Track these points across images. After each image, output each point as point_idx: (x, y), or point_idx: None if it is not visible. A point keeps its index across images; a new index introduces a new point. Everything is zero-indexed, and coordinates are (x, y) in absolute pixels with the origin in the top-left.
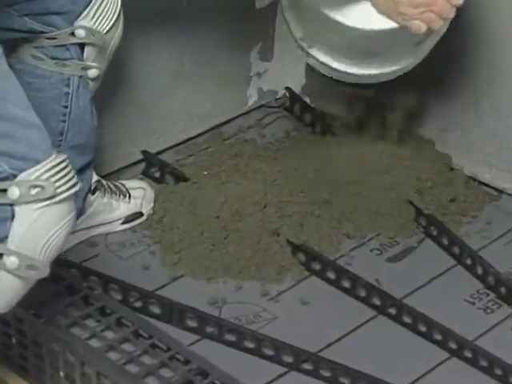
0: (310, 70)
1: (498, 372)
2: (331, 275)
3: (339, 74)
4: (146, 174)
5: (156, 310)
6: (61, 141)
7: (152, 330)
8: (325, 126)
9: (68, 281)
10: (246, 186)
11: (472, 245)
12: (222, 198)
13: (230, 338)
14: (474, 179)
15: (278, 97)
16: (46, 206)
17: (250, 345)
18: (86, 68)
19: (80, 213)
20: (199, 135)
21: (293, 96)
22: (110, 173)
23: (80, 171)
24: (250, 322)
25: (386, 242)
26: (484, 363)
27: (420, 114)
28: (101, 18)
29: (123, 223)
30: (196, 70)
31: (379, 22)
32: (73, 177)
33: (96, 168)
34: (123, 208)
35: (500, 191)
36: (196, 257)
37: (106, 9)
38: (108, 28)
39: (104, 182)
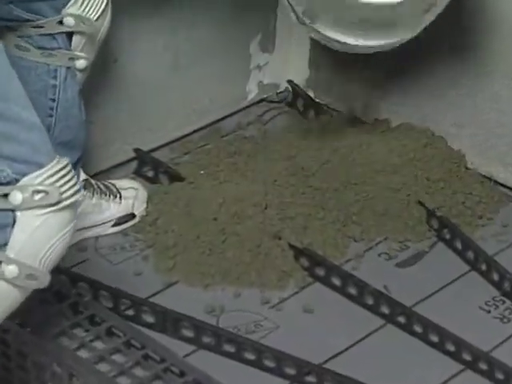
0: (313, 62)
1: None
2: (336, 281)
3: (345, 47)
4: (138, 173)
5: (149, 318)
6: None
7: (145, 340)
8: (330, 123)
9: (56, 287)
10: (245, 187)
11: (487, 249)
12: (219, 199)
13: (229, 348)
14: (490, 179)
15: (279, 91)
16: (50, 212)
17: (249, 356)
18: (73, 58)
19: None
20: (195, 132)
21: (296, 90)
22: (100, 172)
23: None
24: (249, 332)
25: (395, 245)
26: (500, 376)
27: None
28: (90, 5)
29: (114, 225)
30: (192, 63)
31: None
32: (76, 182)
33: (84, 166)
34: (114, 209)
35: None
36: (192, 262)
37: None
38: (98, 15)
39: (93, 181)
